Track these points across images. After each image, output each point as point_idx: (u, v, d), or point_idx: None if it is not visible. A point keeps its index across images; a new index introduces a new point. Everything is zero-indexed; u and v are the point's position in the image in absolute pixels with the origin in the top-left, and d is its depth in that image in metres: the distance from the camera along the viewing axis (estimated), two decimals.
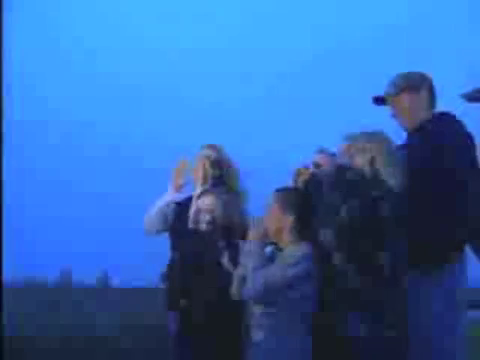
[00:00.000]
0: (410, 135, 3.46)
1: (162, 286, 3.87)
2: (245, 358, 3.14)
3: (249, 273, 3.02)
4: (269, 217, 3.14)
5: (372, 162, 3.17)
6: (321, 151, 4.00)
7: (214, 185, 3.90)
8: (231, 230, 3.56)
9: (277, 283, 2.96)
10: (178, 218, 3.97)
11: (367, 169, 3.16)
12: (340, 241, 3.01)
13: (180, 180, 4.10)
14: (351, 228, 3.00)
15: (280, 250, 3.13)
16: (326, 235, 3.04)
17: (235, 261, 3.33)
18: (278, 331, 3.02)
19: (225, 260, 3.49)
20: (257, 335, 3.05)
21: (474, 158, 3.42)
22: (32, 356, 6.72)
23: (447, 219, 3.23)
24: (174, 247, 3.93)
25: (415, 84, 3.46)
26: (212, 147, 4.04)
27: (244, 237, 3.23)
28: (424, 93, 3.46)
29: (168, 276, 3.75)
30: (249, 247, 3.10)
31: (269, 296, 2.99)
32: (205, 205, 3.65)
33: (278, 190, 3.20)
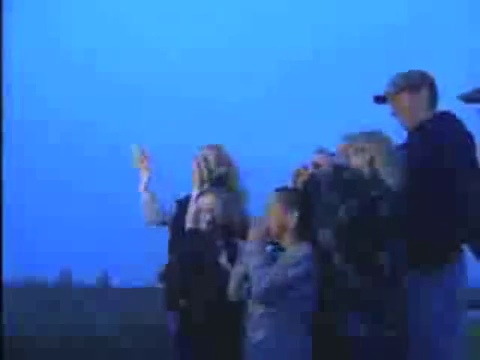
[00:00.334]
0: (410, 134, 3.45)
1: (159, 286, 3.87)
2: (244, 358, 3.14)
3: (252, 272, 3.02)
4: (271, 217, 3.14)
5: (371, 162, 3.17)
6: (320, 151, 3.99)
7: (214, 185, 3.90)
8: (231, 229, 3.56)
9: (281, 282, 2.97)
10: (177, 217, 3.98)
11: (366, 169, 3.16)
12: (339, 241, 3.01)
13: (144, 164, 4.15)
14: (350, 228, 3.00)
15: (281, 250, 3.13)
16: (325, 235, 3.04)
17: (233, 261, 3.33)
18: (278, 331, 3.02)
19: (223, 259, 3.49)
20: (257, 335, 3.05)
21: (474, 158, 3.42)
22: (32, 356, 6.72)
23: (447, 219, 3.23)
24: (173, 247, 3.94)
25: (415, 83, 3.46)
26: (211, 147, 4.04)
27: (244, 237, 3.23)
28: (424, 92, 3.46)
29: (166, 276, 3.75)
30: (250, 247, 3.10)
31: (273, 295, 2.99)
32: (205, 204, 3.65)
33: (279, 190, 3.20)
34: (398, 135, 3.48)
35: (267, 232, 3.13)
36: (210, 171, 3.94)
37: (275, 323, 3.02)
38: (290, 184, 3.51)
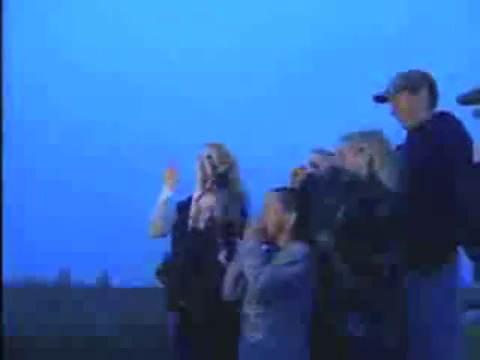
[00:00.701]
0: (410, 134, 3.46)
1: (157, 283, 3.86)
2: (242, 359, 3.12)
3: (248, 272, 3.01)
4: (269, 216, 3.13)
5: (370, 162, 3.16)
6: (318, 151, 3.99)
7: (217, 183, 3.89)
8: (231, 229, 3.56)
9: (277, 282, 2.96)
10: (179, 218, 3.97)
11: (364, 169, 3.16)
12: (338, 242, 3.01)
13: (172, 181, 4.07)
14: (348, 229, 3.00)
15: (277, 249, 3.12)
16: (323, 235, 3.04)
17: (232, 259, 3.32)
18: (277, 331, 3.01)
19: (222, 257, 3.48)
20: (255, 335, 3.04)
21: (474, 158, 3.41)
22: (32, 356, 6.72)
23: (447, 219, 3.23)
24: (174, 247, 3.93)
25: (415, 84, 3.46)
26: (213, 146, 4.02)
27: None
28: (424, 93, 3.46)
29: (164, 274, 3.74)
30: (246, 246, 3.08)
31: (269, 295, 2.99)
32: (205, 204, 3.65)
33: (278, 190, 3.20)
34: (398, 135, 3.48)
35: (263, 232, 3.12)
36: (214, 167, 3.91)
37: (273, 323, 3.01)
38: (288, 184, 3.50)
